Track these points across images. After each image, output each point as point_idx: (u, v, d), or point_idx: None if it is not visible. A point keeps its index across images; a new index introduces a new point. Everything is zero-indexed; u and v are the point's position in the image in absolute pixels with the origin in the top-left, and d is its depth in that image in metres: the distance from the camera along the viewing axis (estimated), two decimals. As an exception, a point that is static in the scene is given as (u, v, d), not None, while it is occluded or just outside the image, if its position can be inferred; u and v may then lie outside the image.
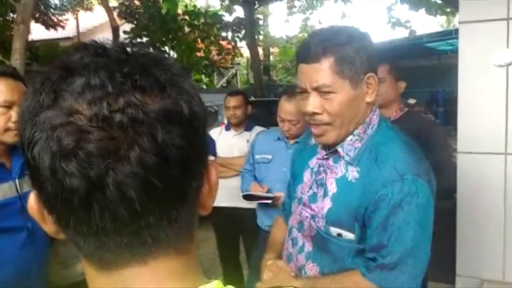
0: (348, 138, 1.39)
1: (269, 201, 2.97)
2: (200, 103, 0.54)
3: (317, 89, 1.34)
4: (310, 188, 1.48)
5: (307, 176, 1.51)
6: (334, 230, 1.37)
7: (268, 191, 3.03)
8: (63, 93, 0.48)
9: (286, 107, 2.87)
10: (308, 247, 1.47)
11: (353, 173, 1.36)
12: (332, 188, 1.40)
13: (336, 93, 1.33)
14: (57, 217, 0.51)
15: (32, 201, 0.53)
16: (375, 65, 1.37)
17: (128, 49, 0.53)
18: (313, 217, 1.44)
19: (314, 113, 1.37)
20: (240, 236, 3.75)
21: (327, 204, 1.39)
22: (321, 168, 1.46)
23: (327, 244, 1.40)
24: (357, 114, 1.37)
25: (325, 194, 1.41)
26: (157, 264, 0.52)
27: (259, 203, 3.13)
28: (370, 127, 1.39)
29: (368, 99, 1.36)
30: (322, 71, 1.32)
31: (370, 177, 1.31)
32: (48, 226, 0.53)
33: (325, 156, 1.45)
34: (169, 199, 0.50)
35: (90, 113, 0.47)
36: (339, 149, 1.40)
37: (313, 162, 1.50)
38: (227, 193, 3.51)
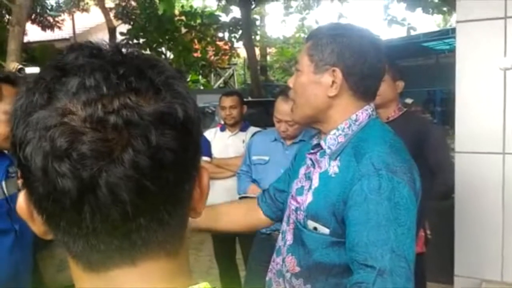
0: (332, 132, 1.41)
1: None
2: (194, 107, 0.54)
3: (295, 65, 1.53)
4: (300, 181, 1.51)
5: (301, 171, 1.53)
6: (311, 224, 1.39)
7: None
8: (57, 93, 0.48)
9: (283, 108, 2.85)
10: (289, 240, 1.49)
11: (333, 168, 1.37)
12: (315, 182, 1.41)
13: (301, 72, 1.45)
14: (47, 217, 0.50)
15: (22, 200, 0.52)
16: (349, 64, 1.38)
17: (123, 50, 0.53)
18: (296, 209, 1.46)
19: (290, 87, 1.53)
20: (236, 237, 3.74)
21: (309, 197, 1.41)
22: (310, 162, 1.49)
23: (302, 236, 1.42)
24: (314, 101, 1.42)
25: (309, 188, 1.43)
26: (146, 265, 0.52)
27: (256, 204, 3.10)
28: (356, 123, 1.40)
29: (330, 93, 1.39)
30: (302, 51, 1.48)
31: (348, 172, 1.33)
32: (37, 226, 0.53)
33: (312, 151, 1.49)
34: (161, 202, 0.50)
35: (84, 114, 0.46)
36: (322, 142, 1.43)
37: (307, 158, 1.52)
38: (224, 194, 3.49)
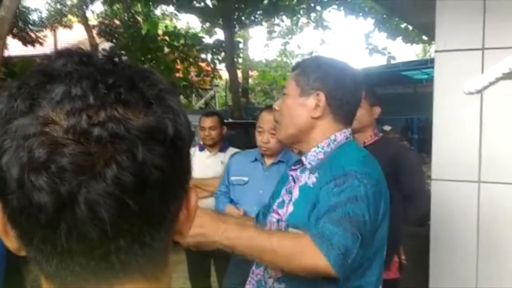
0: (312, 150, 1.53)
1: (243, 224, 2.92)
2: (186, 123, 0.51)
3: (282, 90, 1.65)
4: (281, 197, 1.60)
5: (283, 191, 1.63)
6: (292, 231, 1.47)
7: (244, 214, 2.99)
8: (40, 101, 0.45)
9: (267, 117, 2.88)
10: None
11: (312, 179, 1.49)
12: (295, 194, 1.53)
13: (287, 95, 1.57)
14: (20, 233, 0.47)
15: None
16: (331, 90, 1.52)
17: (116, 60, 0.50)
18: (278, 221, 1.56)
19: (276, 110, 1.65)
20: (211, 260, 3.70)
21: (290, 208, 1.52)
22: (290, 178, 1.60)
23: None
24: (299, 121, 1.54)
25: (290, 200, 1.54)
26: None
27: (233, 226, 3.08)
28: (335, 143, 1.53)
29: (313, 114, 1.52)
30: (290, 78, 1.63)
31: (322, 180, 1.45)
32: (11, 241, 0.49)
33: (294, 167, 1.61)
34: (143, 222, 0.47)
35: (67, 124, 0.43)
36: (303, 158, 1.55)
37: (289, 175, 1.63)
38: (200, 215, 3.46)
